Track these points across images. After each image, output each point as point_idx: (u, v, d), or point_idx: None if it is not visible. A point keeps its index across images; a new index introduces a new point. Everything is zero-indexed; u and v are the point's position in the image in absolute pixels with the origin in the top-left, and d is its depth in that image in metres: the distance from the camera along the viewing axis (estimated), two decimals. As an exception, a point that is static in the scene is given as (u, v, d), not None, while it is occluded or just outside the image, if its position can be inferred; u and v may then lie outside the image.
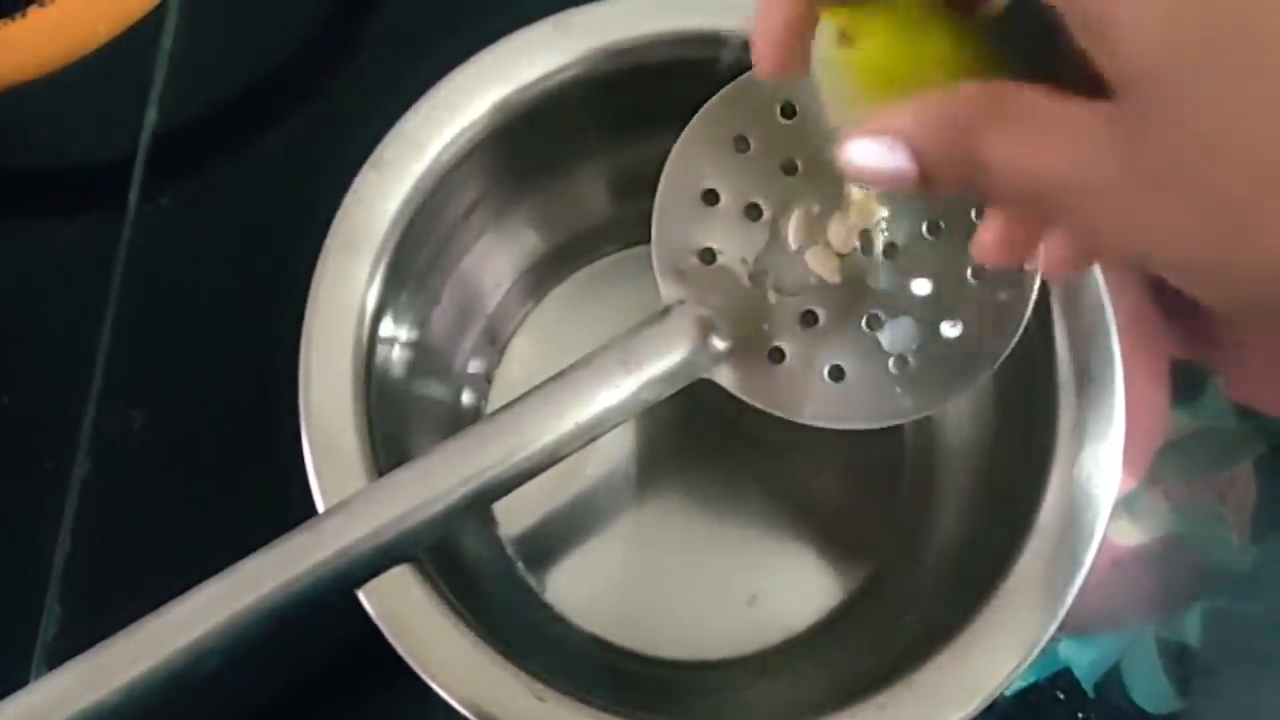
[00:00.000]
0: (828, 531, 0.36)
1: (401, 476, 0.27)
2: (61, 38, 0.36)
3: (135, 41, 0.38)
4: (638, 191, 0.30)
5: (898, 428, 0.36)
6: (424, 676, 0.27)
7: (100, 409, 0.37)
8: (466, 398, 0.36)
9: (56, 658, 0.27)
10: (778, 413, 0.29)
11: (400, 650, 0.27)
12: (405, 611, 0.27)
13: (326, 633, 0.34)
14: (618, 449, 0.36)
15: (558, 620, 0.34)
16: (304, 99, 0.41)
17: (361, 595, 0.27)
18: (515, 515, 0.35)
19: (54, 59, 0.36)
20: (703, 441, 0.36)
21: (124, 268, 0.39)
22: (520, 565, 0.35)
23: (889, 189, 0.23)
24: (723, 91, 0.28)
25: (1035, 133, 0.18)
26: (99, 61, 0.37)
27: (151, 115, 0.40)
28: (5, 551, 0.36)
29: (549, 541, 0.35)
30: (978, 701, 0.27)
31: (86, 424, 0.37)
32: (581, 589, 0.35)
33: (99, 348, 0.38)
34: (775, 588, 0.35)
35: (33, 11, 0.36)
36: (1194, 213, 0.17)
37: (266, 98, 0.41)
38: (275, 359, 0.35)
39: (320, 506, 0.28)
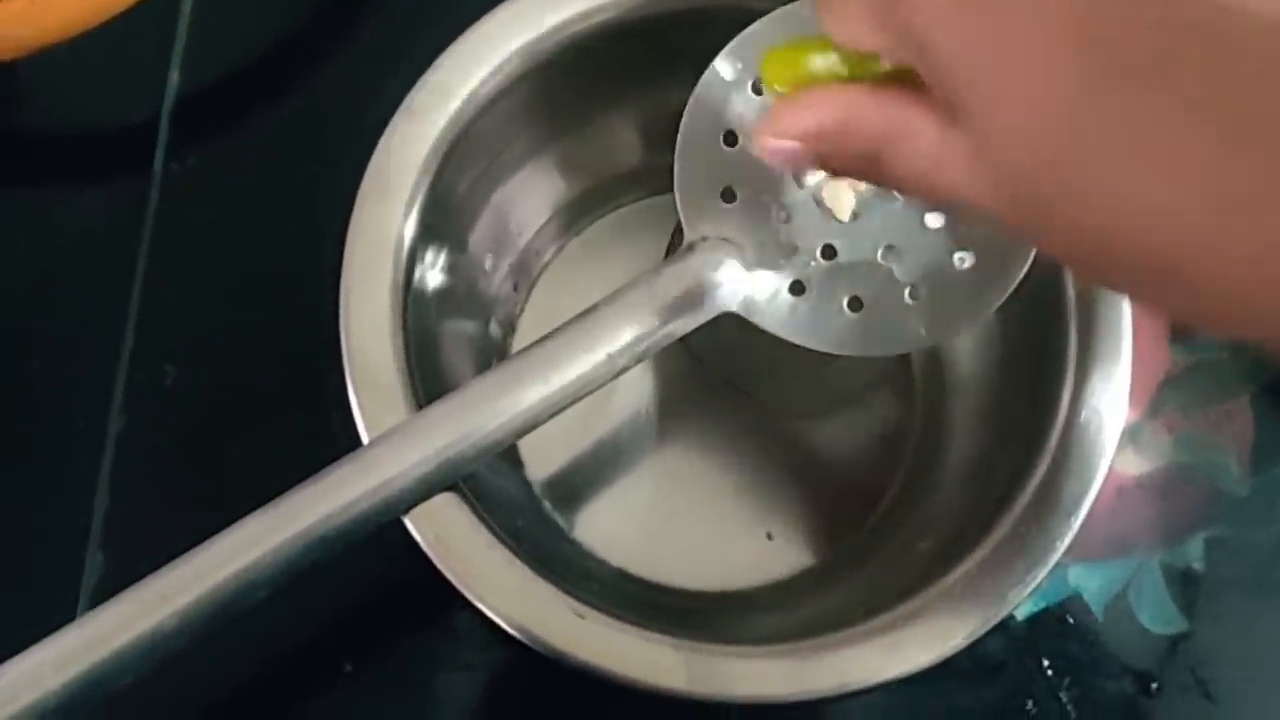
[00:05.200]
0: (842, 469, 0.37)
1: (443, 408, 0.28)
2: (84, 1, 0.36)
3: (157, 4, 0.38)
4: (668, 139, 0.30)
5: (908, 364, 0.37)
6: (469, 596, 0.27)
7: (133, 366, 0.38)
8: (496, 334, 0.37)
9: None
10: (799, 342, 0.30)
11: (445, 571, 0.28)
12: (449, 536, 0.28)
13: (353, 575, 0.34)
14: (638, 394, 0.37)
15: (585, 556, 0.35)
16: (328, 55, 0.41)
17: (408, 521, 0.28)
18: (542, 458, 0.36)
19: (77, 23, 0.36)
20: (718, 388, 0.37)
21: (152, 230, 0.39)
22: (548, 505, 0.36)
23: None
24: (742, 33, 0.29)
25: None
26: (122, 24, 0.37)
27: (174, 77, 0.40)
28: (46, 507, 0.37)
29: (574, 483, 0.36)
30: (997, 611, 0.28)
31: (120, 381, 0.37)
32: (607, 526, 0.36)
33: (130, 307, 0.38)
34: (792, 523, 0.36)
35: (56, -24, 0.36)
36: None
37: (290, 56, 0.41)
38: (306, 312, 0.36)
39: (364, 439, 0.29)
